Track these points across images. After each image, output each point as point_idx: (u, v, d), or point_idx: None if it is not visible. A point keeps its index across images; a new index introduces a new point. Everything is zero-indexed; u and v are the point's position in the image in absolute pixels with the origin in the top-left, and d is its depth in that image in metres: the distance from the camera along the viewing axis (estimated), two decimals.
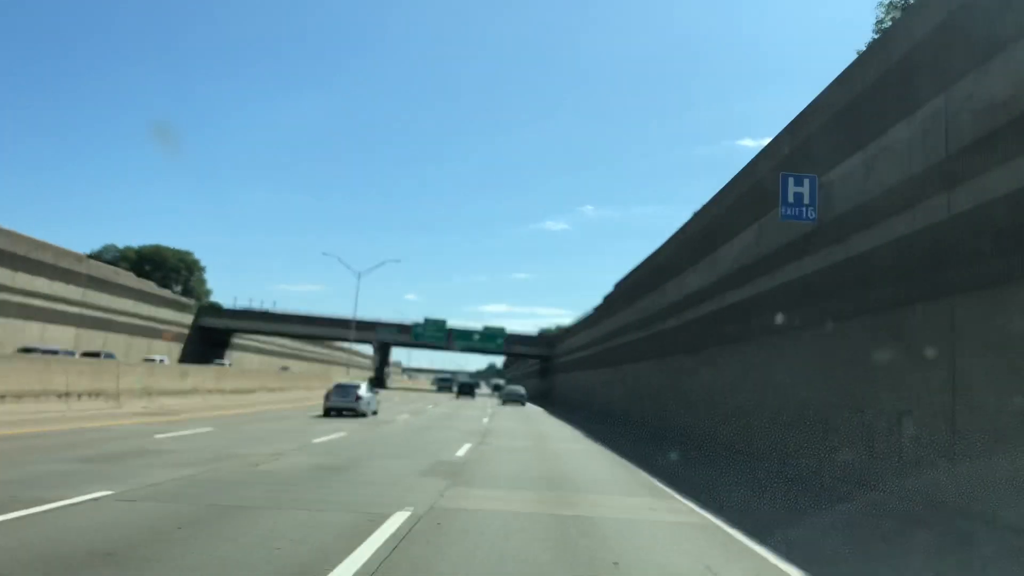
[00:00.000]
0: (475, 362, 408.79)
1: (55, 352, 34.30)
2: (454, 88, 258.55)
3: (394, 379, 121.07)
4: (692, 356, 25.01)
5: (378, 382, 64.02)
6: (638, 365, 33.11)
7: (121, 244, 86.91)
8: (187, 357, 67.24)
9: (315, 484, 9.69)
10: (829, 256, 14.90)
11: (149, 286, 66.85)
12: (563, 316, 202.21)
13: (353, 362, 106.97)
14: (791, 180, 15.88)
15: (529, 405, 55.53)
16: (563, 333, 74.86)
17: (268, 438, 16.17)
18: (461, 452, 15.47)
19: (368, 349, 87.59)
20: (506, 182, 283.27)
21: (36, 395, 19.49)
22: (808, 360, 15.78)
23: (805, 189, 15.79)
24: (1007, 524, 8.53)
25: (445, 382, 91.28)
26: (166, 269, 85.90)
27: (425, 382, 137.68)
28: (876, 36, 24.09)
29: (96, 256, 74.51)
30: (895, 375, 11.91)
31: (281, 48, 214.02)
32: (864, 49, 19.42)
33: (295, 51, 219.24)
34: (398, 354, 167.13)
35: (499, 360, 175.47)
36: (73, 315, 52.79)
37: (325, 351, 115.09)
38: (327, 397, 27.53)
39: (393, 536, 6.66)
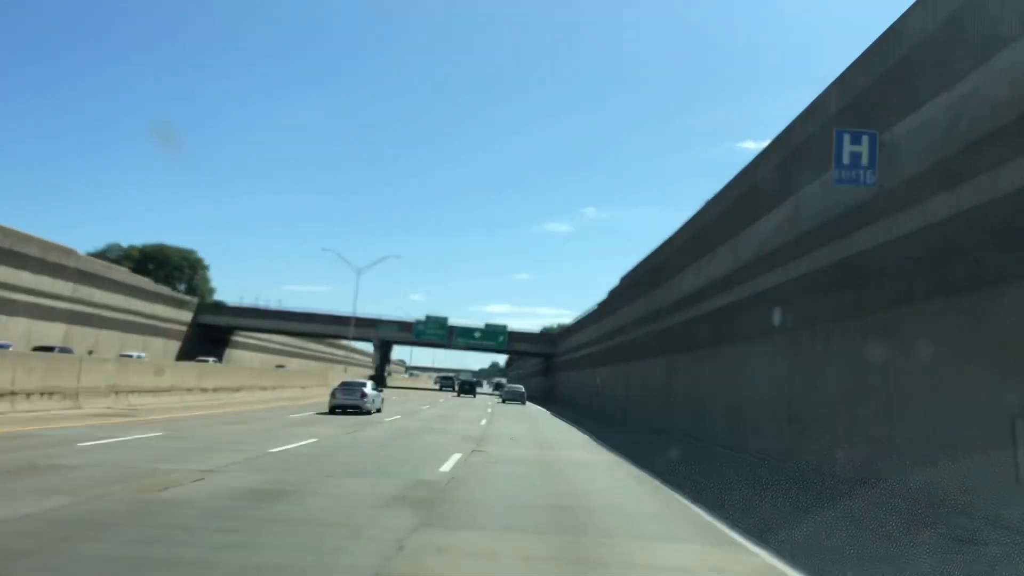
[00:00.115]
0: (478, 361, 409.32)
1: (4, 347, 31.70)
2: (456, 89, 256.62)
3: (396, 378, 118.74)
4: (743, 344, 22.12)
5: (378, 380, 61.64)
6: (655, 361, 30.26)
7: (126, 244, 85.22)
8: (185, 355, 65.09)
9: (218, 526, 6.79)
10: (894, 228, 12.18)
11: (144, 282, 64.68)
12: (565, 317, 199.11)
13: (355, 360, 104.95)
14: (846, 138, 13.17)
15: (532, 405, 54.06)
16: (566, 331, 72.67)
17: (220, 446, 13.58)
18: (448, 466, 12.76)
19: (371, 347, 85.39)
20: (508, 183, 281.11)
21: None
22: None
23: (864, 148, 13.08)
24: None
25: (447, 381, 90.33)
26: (170, 267, 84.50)
27: (428, 381, 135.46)
28: None
29: (99, 255, 72.73)
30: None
31: (288, 47, 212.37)
32: None
33: (302, 50, 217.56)
34: (401, 353, 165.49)
35: (502, 359, 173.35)
36: (62, 311, 50.67)
37: (328, 349, 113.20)
38: (333, 395, 27.63)
39: None
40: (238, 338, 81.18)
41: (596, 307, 51.95)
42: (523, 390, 59.77)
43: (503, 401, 54.26)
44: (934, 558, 7.46)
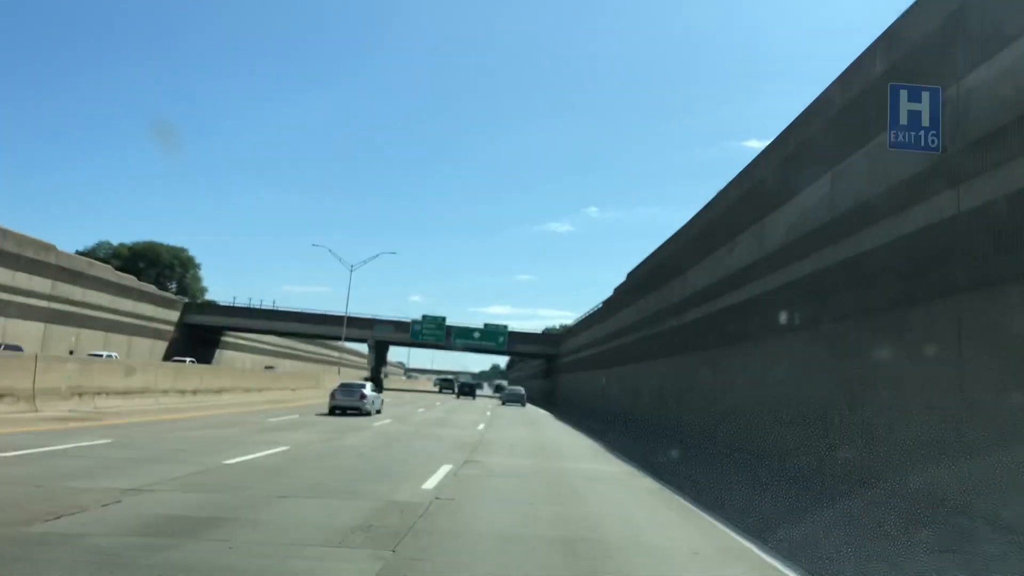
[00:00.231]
0: (478, 363, 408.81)
1: None
2: (457, 89, 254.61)
3: (393, 380, 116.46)
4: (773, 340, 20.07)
5: (374, 382, 59.58)
6: (671, 360, 28.11)
7: (117, 242, 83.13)
8: (172, 356, 62.92)
9: None
10: (966, 199, 10.23)
11: (129, 280, 62.50)
12: (566, 318, 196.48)
13: (350, 362, 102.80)
14: (904, 94, 11.24)
15: (533, 408, 52.59)
16: (569, 331, 70.67)
17: (167, 456, 11.54)
18: (433, 482, 10.67)
19: (366, 349, 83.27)
20: (510, 184, 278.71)
21: None
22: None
23: (924, 106, 11.13)
24: None
25: (447, 383, 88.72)
26: (160, 266, 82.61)
27: (427, 383, 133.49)
28: None
29: (89, 253, 70.64)
30: None
31: (285, 47, 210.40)
32: None
33: (299, 50, 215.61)
34: (399, 354, 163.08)
35: (502, 361, 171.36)
36: (40, 309, 48.53)
37: (322, 351, 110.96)
38: (332, 396, 28.18)
39: None
40: (229, 339, 78.95)
41: (601, 305, 49.99)
42: (523, 391, 59.67)
43: (503, 403, 54.27)
44: None
